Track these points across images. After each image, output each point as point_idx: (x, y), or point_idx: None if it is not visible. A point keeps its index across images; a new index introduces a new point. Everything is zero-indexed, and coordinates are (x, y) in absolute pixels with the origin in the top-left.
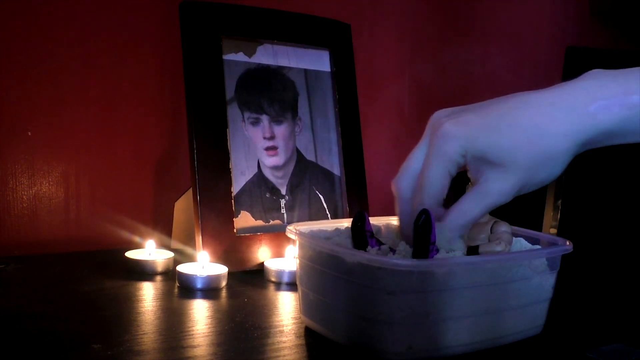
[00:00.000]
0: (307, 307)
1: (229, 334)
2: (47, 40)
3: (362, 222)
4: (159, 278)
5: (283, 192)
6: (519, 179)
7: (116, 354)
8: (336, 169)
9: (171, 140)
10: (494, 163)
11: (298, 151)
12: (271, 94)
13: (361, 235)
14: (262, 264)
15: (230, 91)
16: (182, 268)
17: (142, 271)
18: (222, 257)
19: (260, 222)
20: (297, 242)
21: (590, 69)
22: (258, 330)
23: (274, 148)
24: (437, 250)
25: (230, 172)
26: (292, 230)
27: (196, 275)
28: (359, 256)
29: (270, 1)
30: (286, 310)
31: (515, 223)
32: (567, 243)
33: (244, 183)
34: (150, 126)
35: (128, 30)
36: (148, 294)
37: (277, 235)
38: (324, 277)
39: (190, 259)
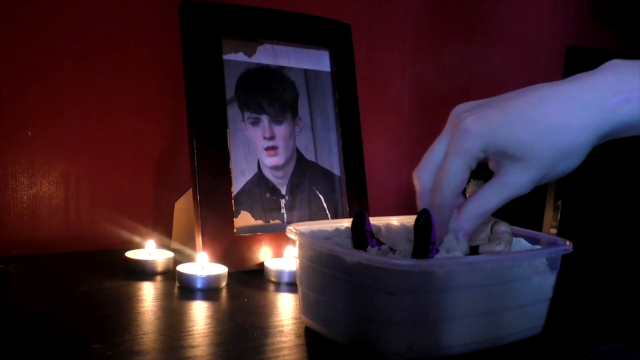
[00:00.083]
0: (307, 307)
1: (229, 334)
2: (47, 40)
3: (362, 222)
4: (159, 278)
5: (283, 192)
6: (538, 172)
7: (116, 354)
8: (336, 169)
9: (171, 140)
10: (515, 157)
11: (298, 151)
12: (271, 93)
13: (361, 235)
14: (262, 264)
15: (230, 91)
16: (182, 268)
17: (142, 271)
18: (222, 257)
19: (260, 222)
20: (297, 242)
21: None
22: (258, 330)
23: (274, 148)
24: (437, 250)
25: (230, 172)
26: (292, 230)
27: (196, 275)
28: (359, 256)
29: (270, 1)
30: (286, 310)
31: (515, 223)
32: (567, 243)
33: (244, 183)
34: (150, 126)
35: (128, 30)
36: (148, 294)
37: (277, 235)
38: (324, 277)
39: (190, 259)
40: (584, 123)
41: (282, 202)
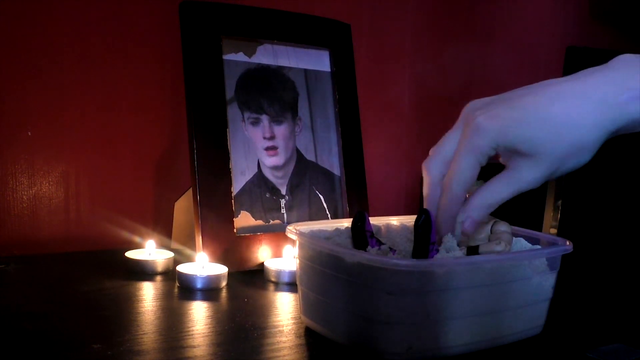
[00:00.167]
0: (307, 307)
1: (229, 334)
2: (47, 40)
3: (362, 222)
4: (159, 278)
5: (283, 192)
6: (549, 167)
7: (116, 354)
8: (336, 169)
9: (171, 140)
10: (525, 153)
11: (298, 151)
12: (271, 93)
13: (361, 235)
14: (262, 264)
15: (230, 91)
16: (182, 268)
17: (142, 271)
18: (222, 257)
19: (260, 222)
20: (297, 242)
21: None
22: (258, 330)
23: (274, 148)
24: (437, 250)
25: (230, 172)
26: (292, 230)
27: (196, 275)
28: (359, 256)
29: (270, 1)
30: (286, 310)
31: (515, 223)
32: (567, 243)
33: (244, 183)
34: (150, 126)
35: (128, 30)
36: (148, 294)
37: (277, 235)
38: (324, 277)
39: (190, 259)
40: (595, 120)
41: (282, 202)
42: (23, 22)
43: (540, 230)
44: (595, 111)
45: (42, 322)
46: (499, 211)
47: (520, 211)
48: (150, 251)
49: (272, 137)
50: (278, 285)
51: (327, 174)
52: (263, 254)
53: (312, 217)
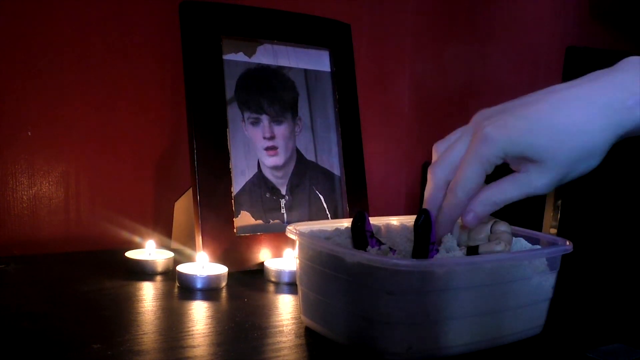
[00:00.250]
0: (307, 307)
1: (229, 334)
2: (46, 40)
3: (362, 222)
4: (159, 278)
5: (283, 192)
6: (558, 174)
7: (116, 354)
8: (336, 169)
9: (171, 140)
10: (534, 160)
11: (298, 151)
12: (271, 93)
13: (361, 235)
14: (262, 264)
15: (230, 91)
16: (182, 268)
17: (142, 271)
18: (222, 257)
19: (260, 222)
20: (297, 242)
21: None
22: (258, 331)
23: (274, 148)
24: (437, 250)
25: (230, 172)
26: (292, 230)
27: (196, 275)
28: (359, 256)
29: (270, 1)
30: (286, 310)
31: (515, 223)
32: (567, 243)
33: (244, 183)
34: (150, 126)
35: (128, 30)
36: (148, 294)
37: (277, 235)
38: (324, 277)
39: (190, 259)
40: (602, 124)
41: (282, 202)
42: (23, 22)
43: (540, 230)
44: (603, 116)
45: (42, 322)
46: (499, 211)
47: (520, 211)
48: (150, 251)
49: (272, 137)
50: (278, 286)
51: (327, 174)
52: (263, 254)
53: (312, 217)
